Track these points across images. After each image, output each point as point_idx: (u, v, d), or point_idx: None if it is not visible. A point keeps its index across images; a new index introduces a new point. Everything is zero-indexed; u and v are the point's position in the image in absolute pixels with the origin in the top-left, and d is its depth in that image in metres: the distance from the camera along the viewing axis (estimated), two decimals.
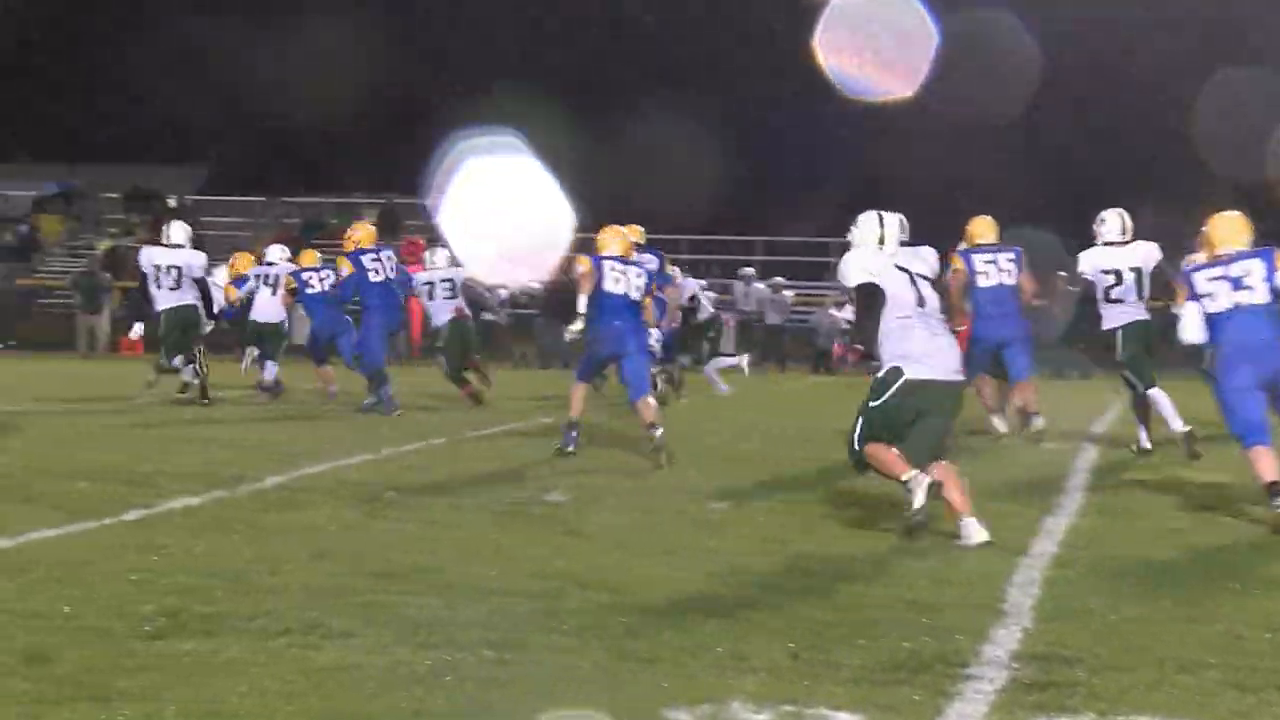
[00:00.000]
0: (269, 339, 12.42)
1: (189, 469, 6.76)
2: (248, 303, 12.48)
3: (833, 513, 5.66)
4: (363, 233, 11.39)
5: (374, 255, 11.27)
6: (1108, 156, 22.70)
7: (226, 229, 32.90)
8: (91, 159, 33.13)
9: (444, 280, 11.84)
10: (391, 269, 11.28)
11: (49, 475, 6.32)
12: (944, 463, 5.13)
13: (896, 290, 5.21)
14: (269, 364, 12.22)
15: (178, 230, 11.96)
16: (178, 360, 11.24)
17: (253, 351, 12.74)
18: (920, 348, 5.14)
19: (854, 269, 5.25)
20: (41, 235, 31.52)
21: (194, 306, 11.57)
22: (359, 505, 5.71)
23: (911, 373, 5.11)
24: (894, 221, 5.37)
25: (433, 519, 5.41)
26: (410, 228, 28.48)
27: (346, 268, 11.13)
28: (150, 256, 11.73)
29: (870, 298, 5.19)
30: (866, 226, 5.41)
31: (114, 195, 33.06)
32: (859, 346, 5.34)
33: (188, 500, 5.76)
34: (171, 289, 11.74)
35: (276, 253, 13.23)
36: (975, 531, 5.03)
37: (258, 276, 12.86)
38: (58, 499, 5.65)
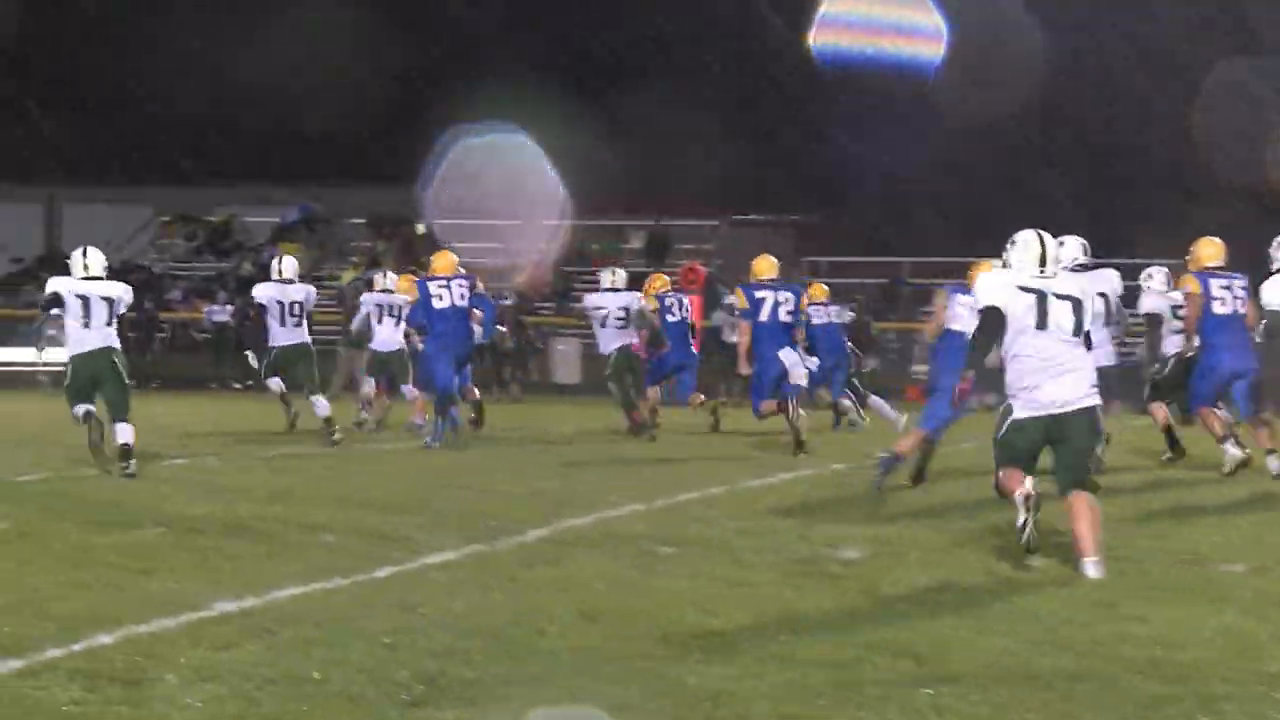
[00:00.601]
0: (394, 368, 14.12)
1: (443, 521, 7.19)
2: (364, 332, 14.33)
3: (1173, 570, 5.70)
4: (440, 262, 12.74)
5: (442, 282, 12.48)
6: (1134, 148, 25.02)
7: (474, 255, 34.83)
8: (336, 181, 35.76)
9: (619, 308, 13.00)
10: (461, 296, 12.43)
11: (295, 526, 6.82)
12: (1083, 494, 5.74)
13: (1018, 315, 5.85)
14: (406, 389, 13.90)
15: (289, 265, 13.66)
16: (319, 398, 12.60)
17: (368, 385, 14.35)
18: (1031, 380, 5.81)
19: (980, 291, 5.92)
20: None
21: (309, 344, 13.29)
22: (631, 560, 5.92)
23: (1018, 410, 5.85)
24: (1061, 243, 6.08)
25: (714, 576, 5.58)
26: (684, 252, 29.28)
27: (412, 294, 12.80)
28: (267, 291, 13.39)
29: (985, 323, 5.87)
30: (1023, 246, 6.00)
31: (358, 220, 35.66)
32: (967, 376, 5.93)
33: (444, 555, 6.11)
34: (295, 325, 13.48)
35: (390, 280, 14.91)
36: (1092, 570, 5.62)
37: (378, 306, 14.61)
38: (305, 553, 6.10)
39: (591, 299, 13.51)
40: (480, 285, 13.46)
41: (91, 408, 9.67)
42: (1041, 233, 6.06)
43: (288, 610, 4.95)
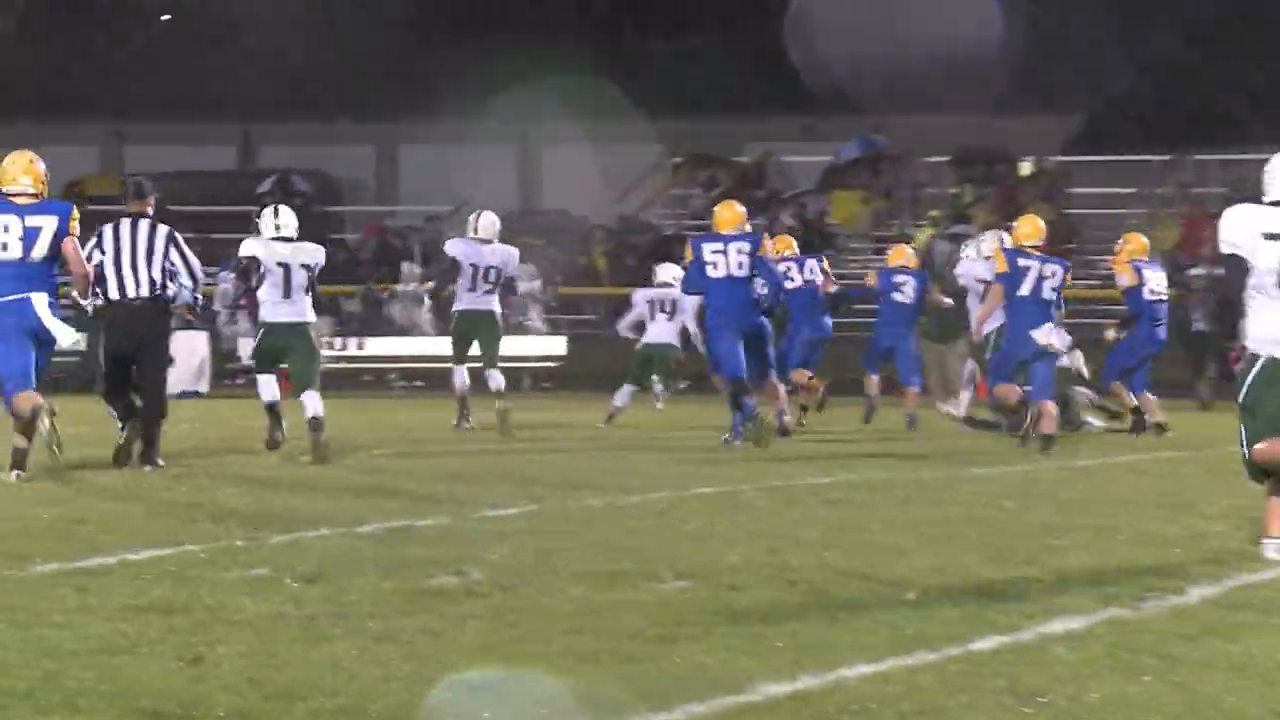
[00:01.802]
0: (658, 364, 16.70)
1: (1064, 572, 7.29)
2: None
3: None
4: (724, 214, 15.31)
5: (718, 245, 14.83)
6: None
7: (1099, 204, 34.32)
8: (911, 106, 36.22)
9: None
10: (740, 264, 14.67)
11: (860, 579, 7.09)
12: None
13: (1262, 260, 7.51)
14: (659, 389, 16.98)
15: (487, 223, 16.48)
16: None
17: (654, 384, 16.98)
18: (1274, 328, 7.44)
19: (1222, 233, 7.58)
20: (833, 220, 35.37)
21: (495, 313, 16.60)
22: None
23: (1266, 352, 7.53)
24: None
25: None
26: None
27: (686, 252, 15.37)
28: (458, 249, 16.46)
29: (1231, 274, 7.41)
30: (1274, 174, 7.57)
31: (938, 159, 35.97)
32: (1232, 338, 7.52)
33: (1068, 621, 6.19)
34: (487, 291, 16.28)
35: (670, 272, 17.56)
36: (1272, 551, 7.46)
37: (650, 303, 17.57)
38: (877, 615, 6.27)
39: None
40: (769, 246, 15.54)
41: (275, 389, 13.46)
42: None
43: (858, 695, 5.10)
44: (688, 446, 15.36)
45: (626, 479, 11.78)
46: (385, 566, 7.39)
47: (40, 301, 11.29)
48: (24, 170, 11.60)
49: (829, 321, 18.68)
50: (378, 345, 28.84)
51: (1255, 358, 7.89)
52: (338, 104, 41.57)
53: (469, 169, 40.32)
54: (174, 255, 12.54)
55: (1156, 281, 17.44)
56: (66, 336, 11.33)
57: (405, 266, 32.11)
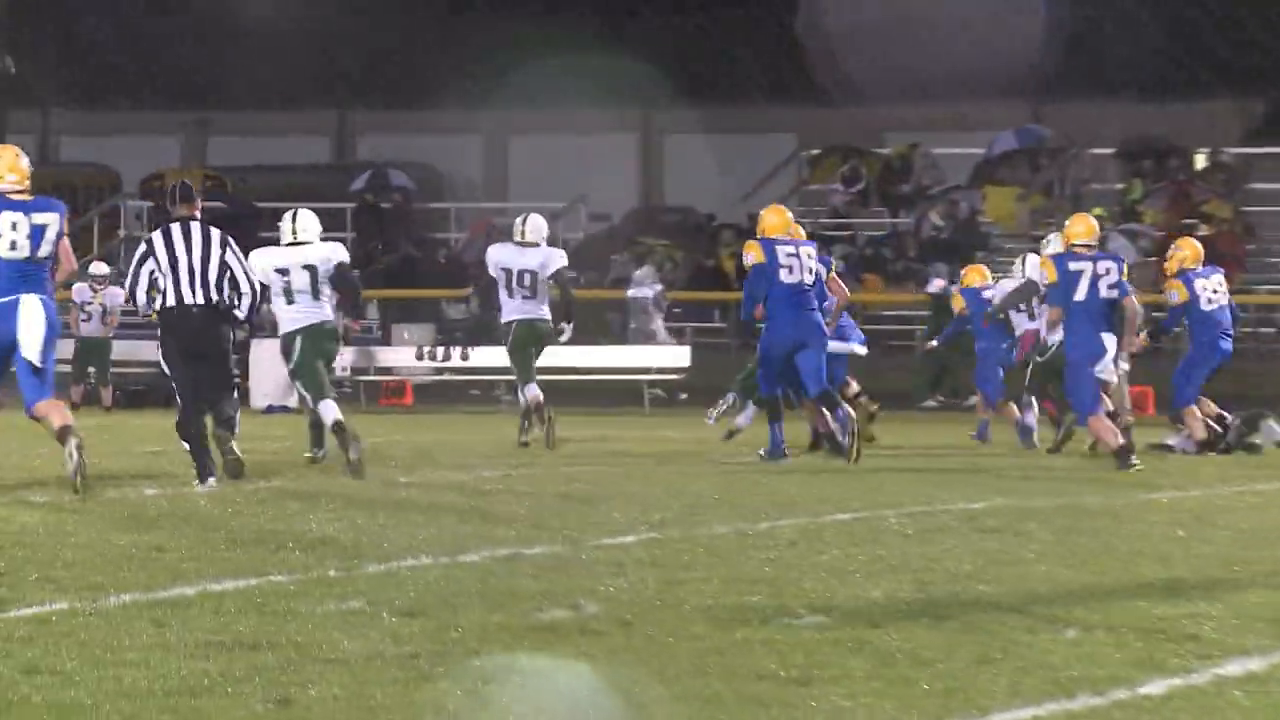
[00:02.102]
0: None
1: (1243, 609, 7.23)
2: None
3: None
4: (772, 219, 16.19)
5: (791, 249, 15.83)
6: None
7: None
8: (1071, 93, 35.85)
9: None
10: (805, 269, 15.79)
11: (1014, 613, 7.04)
12: None
13: None
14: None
15: (534, 226, 17.38)
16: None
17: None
18: None
19: None
20: (987, 218, 35.16)
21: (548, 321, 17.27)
22: None
23: None
24: None
25: None
26: None
27: (755, 254, 15.99)
28: (500, 258, 17.16)
29: None
30: None
31: (1103, 150, 35.58)
32: None
33: (1247, 662, 6.15)
34: (526, 297, 17.20)
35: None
36: None
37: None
38: (1034, 655, 6.24)
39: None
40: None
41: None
42: None
43: None
44: (822, 467, 15.33)
45: (755, 503, 11.79)
46: (491, 599, 7.44)
47: (33, 303, 11.71)
48: (9, 167, 11.98)
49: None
50: (484, 355, 29.01)
51: None
52: (443, 91, 41.91)
53: (584, 161, 40.58)
54: (230, 259, 12.90)
55: (1213, 288, 17.51)
56: (32, 347, 11.66)
57: None
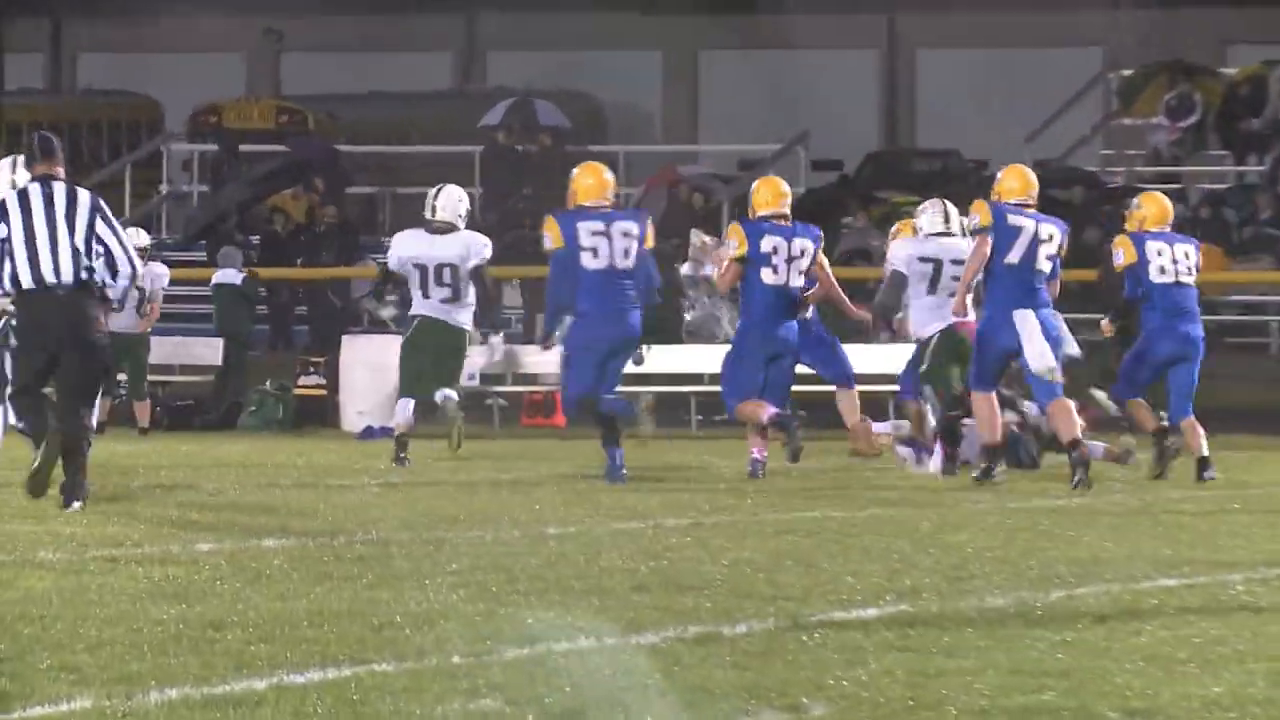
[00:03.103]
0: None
1: None
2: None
3: None
4: (586, 180, 19.00)
5: (597, 224, 18.17)
6: None
7: None
8: None
9: None
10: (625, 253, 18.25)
11: None
12: None
13: None
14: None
15: (448, 203, 19.65)
16: None
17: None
18: None
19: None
20: None
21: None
22: None
23: None
24: None
25: None
26: None
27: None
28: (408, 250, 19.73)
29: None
30: None
31: None
32: None
33: None
34: (445, 299, 19.51)
35: None
36: None
37: None
38: None
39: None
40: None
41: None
42: None
43: None
44: (1135, 511, 15.23)
45: (1044, 563, 11.81)
46: (679, 694, 7.46)
47: None
48: None
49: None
50: (665, 357, 29.06)
51: None
52: None
53: (806, 87, 40.59)
54: (101, 229, 13.37)
55: (1170, 258, 19.00)
56: None
57: (694, 236, 32.30)
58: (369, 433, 25.50)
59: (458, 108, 40.91)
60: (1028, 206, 18.23)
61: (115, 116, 42.97)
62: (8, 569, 11.15)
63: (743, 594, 10.44)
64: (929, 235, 19.78)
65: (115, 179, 37.09)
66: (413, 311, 19.63)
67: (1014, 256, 17.78)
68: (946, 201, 20.30)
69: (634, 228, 18.65)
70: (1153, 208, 19.93)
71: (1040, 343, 17.70)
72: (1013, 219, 17.99)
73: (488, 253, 19.70)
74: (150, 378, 27.12)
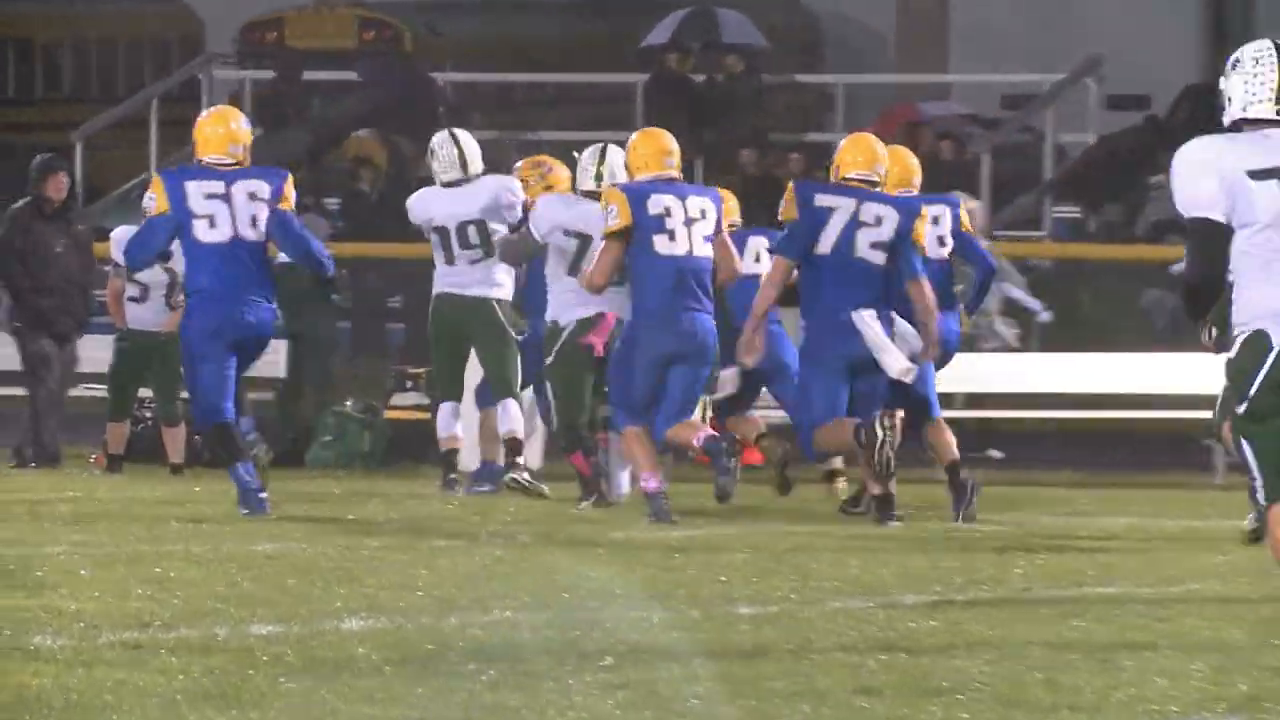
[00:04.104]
0: None
1: None
2: None
3: None
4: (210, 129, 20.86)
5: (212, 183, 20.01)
6: None
7: None
8: None
9: None
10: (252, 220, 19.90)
11: None
12: None
13: (1258, 206, 11.12)
14: None
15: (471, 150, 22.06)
16: None
17: None
18: None
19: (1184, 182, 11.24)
20: None
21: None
22: None
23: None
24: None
25: None
26: None
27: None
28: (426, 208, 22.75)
29: (1200, 236, 11.23)
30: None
31: None
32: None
33: None
34: (475, 260, 22.57)
35: None
36: None
37: None
38: None
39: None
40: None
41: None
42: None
43: None
44: None
45: None
46: None
47: None
48: None
49: None
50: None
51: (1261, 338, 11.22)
52: None
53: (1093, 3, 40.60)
54: None
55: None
56: None
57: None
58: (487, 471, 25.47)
59: (610, 20, 41.02)
60: (867, 183, 20.56)
61: (138, 31, 43.31)
62: None
63: (1011, 701, 10.48)
64: None
65: (138, 116, 37.28)
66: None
67: (825, 245, 20.29)
68: None
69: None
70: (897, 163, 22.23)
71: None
72: (822, 199, 20.43)
73: (519, 197, 21.95)
74: (186, 395, 27.05)
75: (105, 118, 37.89)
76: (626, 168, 21.15)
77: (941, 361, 23.01)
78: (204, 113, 21.53)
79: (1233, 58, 11.53)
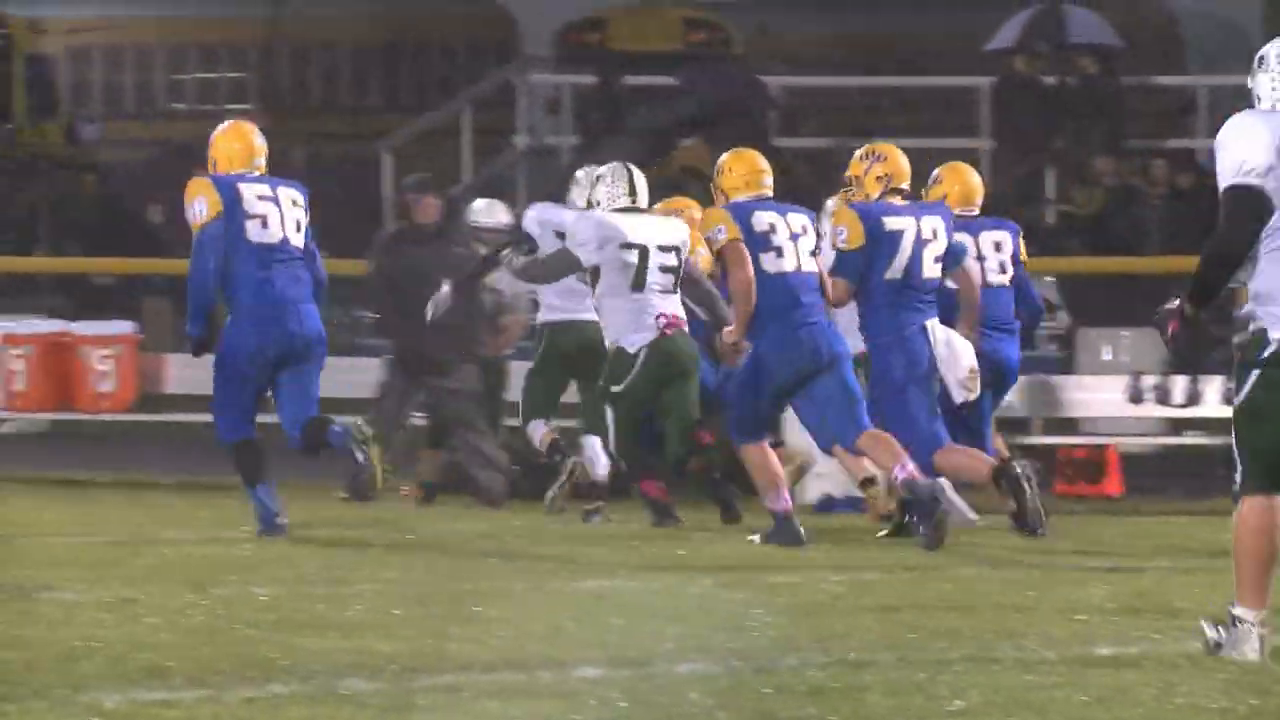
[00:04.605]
0: None
1: None
2: None
3: None
4: (230, 143, 21.73)
5: (264, 186, 20.86)
6: None
7: None
8: None
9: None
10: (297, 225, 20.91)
11: None
12: None
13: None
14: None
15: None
16: None
17: None
18: None
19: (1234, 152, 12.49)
20: None
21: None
22: None
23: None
24: None
25: None
26: None
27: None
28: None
29: (1237, 212, 12.40)
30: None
31: None
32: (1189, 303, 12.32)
33: None
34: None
35: None
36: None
37: None
38: None
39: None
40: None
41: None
42: None
43: None
44: None
45: None
46: None
47: None
48: None
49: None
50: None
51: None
52: None
53: None
54: None
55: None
56: None
57: None
58: (828, 504, 25.51)
59: (955, 20, 40.96)
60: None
61: (448, 34, 43.53)
62: None
63: None
64: None
65: (448, 125, 37.49)
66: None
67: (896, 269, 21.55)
68: None
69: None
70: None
71: None
72: (890, 222, 21.66)
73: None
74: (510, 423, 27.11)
75: (414, 127, 38.18)
76: (721, 190, 22.05)
77: (1001, 387, 24.08)
78: (220, 127, 21.92)
79: (1259, 56, 12.90)
